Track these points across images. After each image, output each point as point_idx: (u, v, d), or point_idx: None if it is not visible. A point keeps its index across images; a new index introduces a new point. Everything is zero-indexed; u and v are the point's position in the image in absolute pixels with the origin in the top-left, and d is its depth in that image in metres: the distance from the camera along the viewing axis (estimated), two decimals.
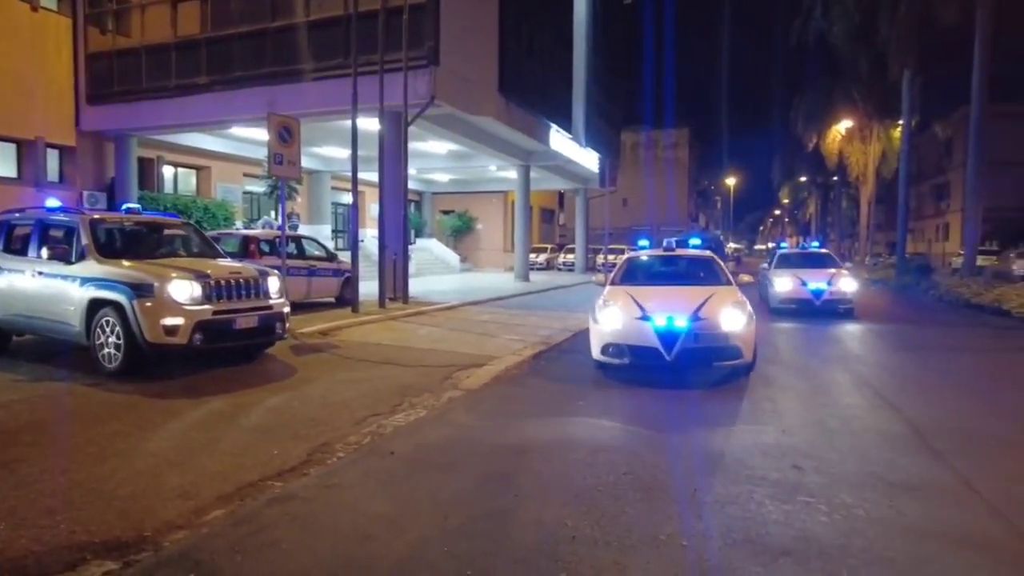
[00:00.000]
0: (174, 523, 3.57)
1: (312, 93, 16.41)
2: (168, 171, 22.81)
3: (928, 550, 3.35)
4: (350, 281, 13.37)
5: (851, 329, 12.38)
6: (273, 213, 23.13)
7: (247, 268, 7.97)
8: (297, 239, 14.43)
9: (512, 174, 26.86)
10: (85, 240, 7.59)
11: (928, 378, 8.10)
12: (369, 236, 25.51)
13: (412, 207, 34.37)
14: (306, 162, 24.58)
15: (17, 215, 8.90)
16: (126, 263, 7.46)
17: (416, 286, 19.22)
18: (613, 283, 8.69)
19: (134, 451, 4.80)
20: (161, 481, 4.20)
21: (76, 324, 7.33)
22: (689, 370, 7.33)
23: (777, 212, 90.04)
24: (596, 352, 7.52)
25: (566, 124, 25.98)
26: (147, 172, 21.34)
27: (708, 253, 10.46)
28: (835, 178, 44.54)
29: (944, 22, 20.91)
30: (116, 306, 7.02)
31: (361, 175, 14.18)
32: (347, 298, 13.39)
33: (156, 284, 6.94)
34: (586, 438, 5.28)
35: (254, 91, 17.01)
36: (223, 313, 7.28)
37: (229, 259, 8.84)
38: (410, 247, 27.63)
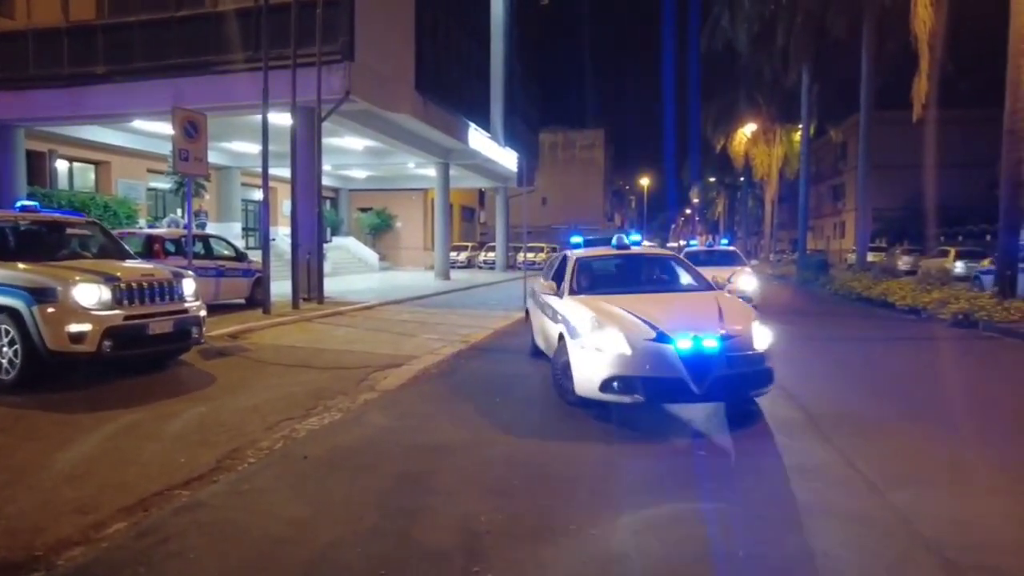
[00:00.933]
0: (70, 540, 3.40)
1: (221, 86, 15.80)
2: (62, 166, 21.38)
3: (815, 525, 3.62)
4: (261, 281, 12.98)
5: None
6: (179, 211, 22.09)
7: (160, 270, 7.58)
8: (205, 238, 13.88)
9: (431, 172, 26.74)
10: None
11: (820, 366, 8.67)
12: (282, 234, 24.82)
13: (328, 204, 33.61)
14: (215, 157, 23.61)
15: None
16: (22, 265, 6.91)
17: (333, 286, 18.86)
18: (573, 291, 6.84)
19: (25, 466, 4.52)
20: (55, 496, 3.98)
21: None
22: (720, 403, 5.93)
23: (688, 211, 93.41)
24: (588, 387, 5.60)
25: (485, 123, 26.10)
26: (37, 166, 19.91)
27: (667, 251, 10.26)
28: (742, 179, 46.68)
29: (836, 34, 22.34)
30: (12, 312, 6.50)
31: (273, 171, 13.80)
32: (258, 299, 12.99)
33: (59, 288, 6.47)
34: (502, 436, 5.37)
35: (158, 83, 16.19)
36: (135, 318, 6.85)
37: (139, 260, 8.38)
38: (326, 245, 27.04)
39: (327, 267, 23.09)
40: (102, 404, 6.14)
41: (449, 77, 22.14)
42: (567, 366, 5.95)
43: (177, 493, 4.04)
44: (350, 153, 25.01)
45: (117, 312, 6.70)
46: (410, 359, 8.38)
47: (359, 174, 31.84)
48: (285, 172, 14.57)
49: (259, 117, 13.02)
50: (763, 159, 36.61)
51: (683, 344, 5.34)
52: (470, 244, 40.52)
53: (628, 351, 5.43)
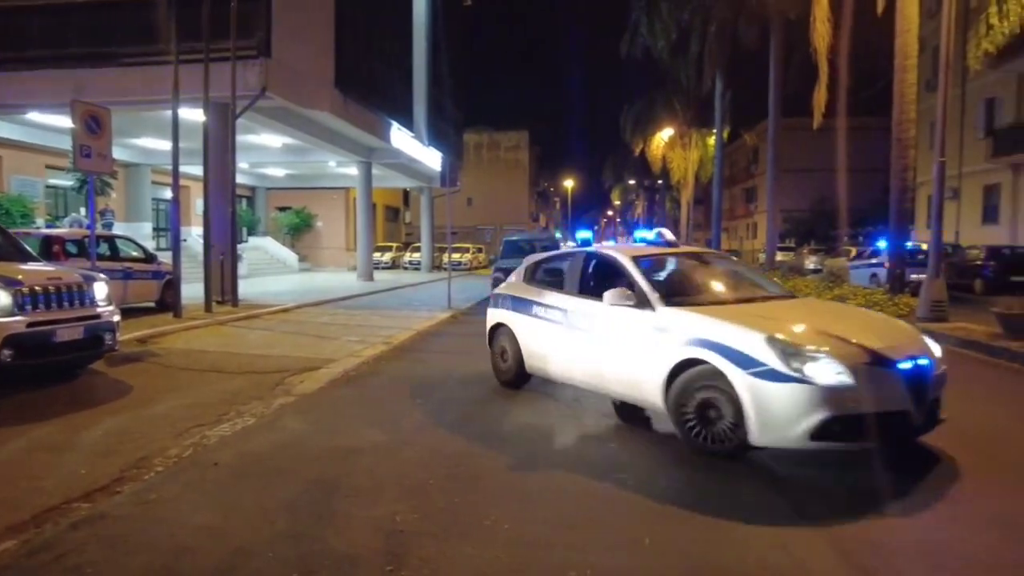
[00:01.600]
0: None
1: (128, 80, 15.08)
2: None
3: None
4: (172, 284, 12.46)
5: None
6: (83, 210, 20.88)
7: (69, 273, 7.12)
8: (110, 239, 13.19)
9: (353, 170, 26.32)
10: None
11: None
12: (195, 235, 23.87)
13: (244, 203, 32.54)
14: (123, 154, 22.48)
15: None
16: None
17: (249, 288, 18.30)
18: (668, 303, 5.18)
19: None
20: None
21: None
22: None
23: (610, 212, 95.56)
24: (797, 434, 4.17)
25: (408, 122, 25.91)
26: None
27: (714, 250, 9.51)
28: (660, 181, 48.17)
29: (747, 44, 23.44)
30: None
31: (186, 169, 13.28)
32: (169, 302, 12.47)
33: None
34: (420, 437, 5.39)
35: (57, 74, 15.30)
36: (40, 325, 6.40)
37: (45, 263, 7.85)
38: (242, 246, 26.23)
39: (243, 269, 22.40)
40: None
41: (371, 75, 21.87)
42: (728, 404, 4.44)
43: (76, 507, 3.86)
44: (268, 151, 24.31)
45: (19, 319, 6.25)
46: (328, 362, 8.25)
47: (277, 172, 30.96)
48: (198, 170, 14.03)
49: (170, 112, 12.49)
50: (680, 163, 37.88)
51: (905, 365, 4.37)
52: (395, 244, 40.09)
53: (851, 380, 4.16)
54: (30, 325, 6.32)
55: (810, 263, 28.94)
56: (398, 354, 9.38)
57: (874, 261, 19.61)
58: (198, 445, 5.02)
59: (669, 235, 6.67)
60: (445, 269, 26.70)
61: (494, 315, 7.36)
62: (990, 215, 25.92)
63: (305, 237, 34.44)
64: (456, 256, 36.58)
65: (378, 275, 27.61)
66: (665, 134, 38.12)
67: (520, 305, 6.86)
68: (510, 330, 6.93)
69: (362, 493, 4.14)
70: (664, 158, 39.35)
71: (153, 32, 14.99)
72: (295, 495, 4.10)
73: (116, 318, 7.30)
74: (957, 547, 3.40)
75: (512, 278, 7.52)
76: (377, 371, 8.19)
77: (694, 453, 4.68)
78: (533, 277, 7.12)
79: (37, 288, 6.48)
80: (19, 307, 6.28)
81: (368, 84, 21.39)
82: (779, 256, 27.53)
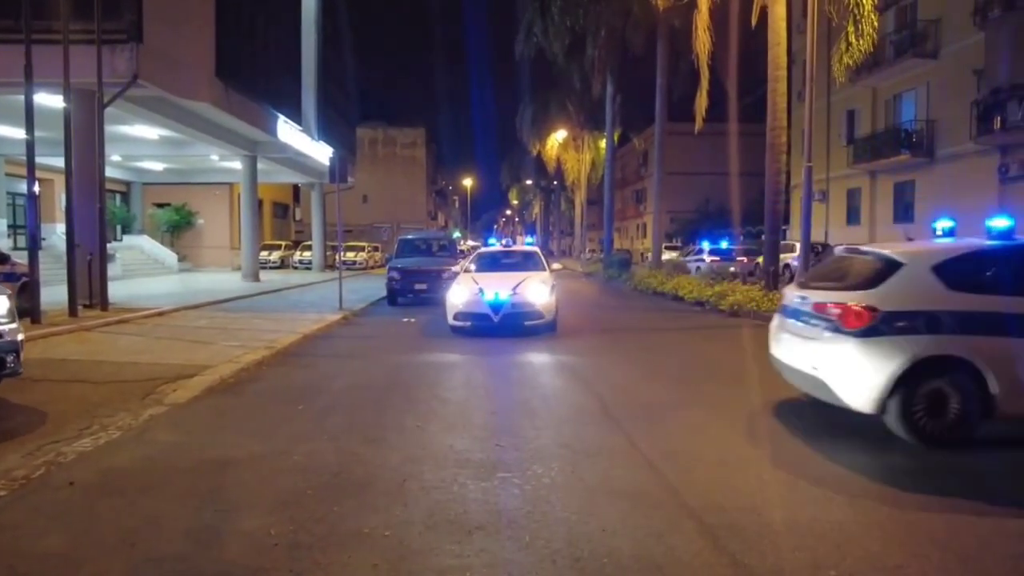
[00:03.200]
0: None
1: None
2: None
3: (598, 504, 3.92)
4: (28, 286, 11.36)
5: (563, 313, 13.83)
6: None
7: None
8: None
9: (238, 165, 25.01)
10: None
11: (615, 356, 9.38)
12: (60, 232, 21.96)
13: (117, 199, 30.31)
14: None
15: None
16: None
17: (122, 290, 17.05)
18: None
19: None
20: None
21: None
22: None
23: (508, 212, 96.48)
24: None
25: (296, 116, 25.00)
26: None
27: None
28: (555, 182, 49.09)
29: (635, 49, 24.26)
30: None
31: (49, 160, 12.15)
32: (25, 307, 11.34)
33: None
34: (299, 445, 5.18)
35: None
36: None
37: None
38: (115, 245, 24.42)
39: (116, 269, 20.87)
40: None
41: (255, 65, 20.92)
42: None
43: None
44: (143, 143, 22.69)
45: None
46: (204, 369, 7.78)
47: (155, 166, 28.98)
48: (61, 162, 12.86)
49: (23, 97, 11.37)
50: (573, 164, 38.76)
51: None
52: (284, 243, 38.55)
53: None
54: None
55: (691, 261, 30.40)
56: (282, 359, 9.00)
57: (695, 257, 27.14)
58: (52, 463, 4.60)
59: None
60: (338, 268, 25.96)
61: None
62: (853, 216, 28.22)
63: (186, 235, 32.45)
64: (350, 255, 35.69)
65: (265, 275, 26.47)
66: (560, 135, 38.87)
67: None
68: None
69: (235, 507, 3.92)
70: (559, 159, 40.14)
71: (2, 6, 13.62)
72: (162, 513, 3.83)
73: (20, 336, 6.19)
74: None
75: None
76: (258, 377, 7.82)
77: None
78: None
79: None
80: None
81: (252, 74, 20.45)
82: (667, 255, 28.78)
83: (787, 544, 3.42)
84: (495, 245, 17.62)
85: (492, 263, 13.21)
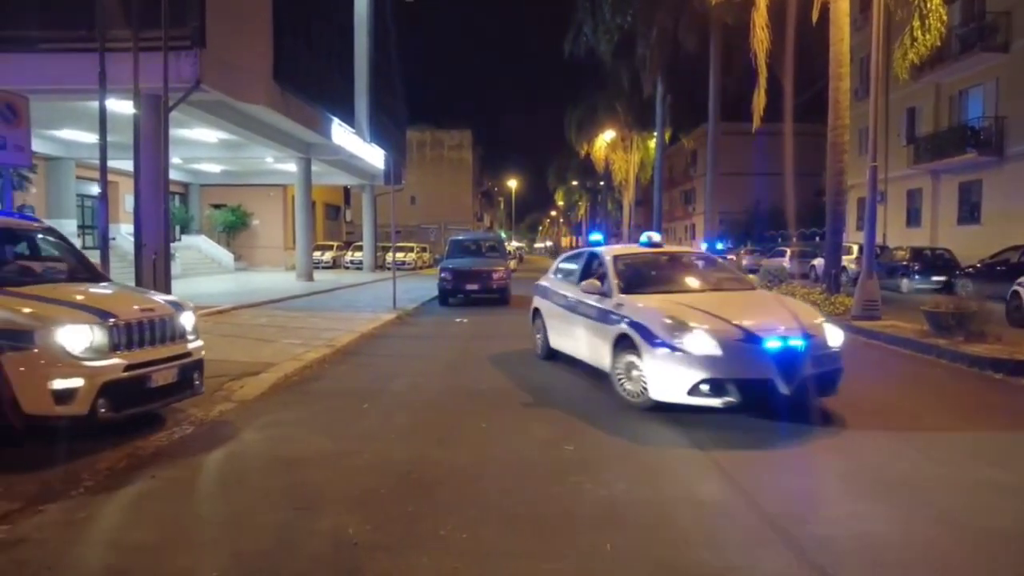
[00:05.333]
0: None
1: (49, 67, 14.16)
2: None
3: (674, 514, 3.81)
4: None
5: None
6: None
7: (158, 301, 5.70)
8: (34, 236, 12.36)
9: (292, 167, 25.56)
10: None
11: None
12: (124, 232, 22.78)
13: (176, 200, 31.25)
14: (43, 147, 21.22)
15: None
16: None
17: (182, 288, 17.54)
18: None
19: None
20: None
21: None
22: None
23: (553, 213, 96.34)
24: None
25: (349, 118, 25.37)
26: None
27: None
28: (602, 183, 48.73)
29: (687, 48, 23.89)
30: None
31: (114, 163, 12.58)
32: None
33: (37, 329, 4.58)
34: (368, 444, 5.21)
35: None
36: (137, 367, 4.99)
37: (121, 285, 6.38)
38: (174, 245, 25.18)
39: (176, 268, 21.51)
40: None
41: (311, 69, 21.30)
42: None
43: None
44: (202, 145, 23.37)
45: (115, 361, 4.85)
46: (269, 366, 7.92)
47: (212, 168, 29.82)
48: (127, 165, 13.32)
49: (95, 103, 11.81)
50: (621, 164, 38.41)
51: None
52: (335, 243, 39.22)
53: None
54: (128, 368, 4.93)
55: (747, 263, 29.82)
56: (342, 357, 9.12)
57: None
58: (132, 456, 4.72)
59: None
60: (388, 268, 26.30)
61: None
62: (913, 218, 27.22)
63: (241, 236, 33.30)
64: (400, 255, 36.08)
65: (318, 275, 26.95)
66: (608, 136, 38.58)
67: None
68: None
69: (311, 505, 3.95)
70: (607, 160, 39.83)
71: (76, 17, 14.18)
72: (240, 510, 3.90)
73: (203, 354, 5.89)
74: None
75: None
76: (320, 375, 7.93)
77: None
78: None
79: (132, 322, 5.10)
80: (113, 347, 4.90)
81: (308, 78, 20.82)
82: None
83: None
84: (604, 244, 9.33)
85: (660, 276, 7.53)
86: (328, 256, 35.68)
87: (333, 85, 23.90)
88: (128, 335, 5.03)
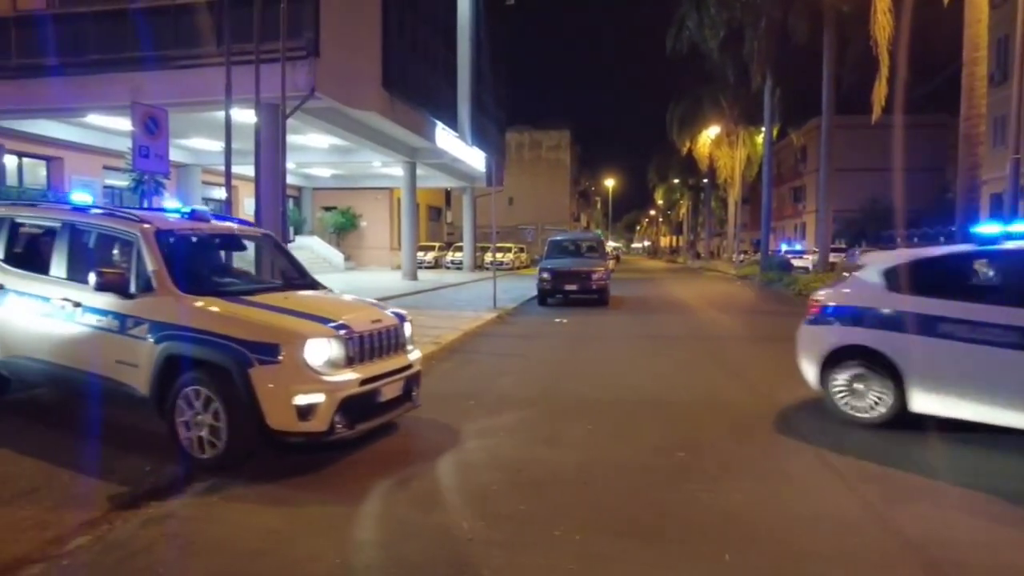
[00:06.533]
0: (28, 557, 3.22)
1: (182, 81, 15.37)
2: (11, 161, 20.56)
3: (800, 528, 3.62)
4: None
5: (722, 319, 13.22)
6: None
7: (383, 311, 5.40)
8: None
9: (397, 170, 26.45)
10: (151, 262, 4.84)
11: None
12: None
13: (291, 203, 33.04)
14: (173, 155, 22.95)
15: (27, 210, 6.13)
16: (218, 303, 4.85)
17: None
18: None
19: None
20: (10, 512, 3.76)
21: (140, 387, 4.73)
22: None
23: (652, 212, 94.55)
24: None
25: (452, 122, 25.94)
26: None
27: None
28: (705, 180, 47.36)
29: (798, 39, 22.77)
30: (215, 372, 4.47)
31: (234, 169, 13.43)
32: None
33: (282, 342, 4.41)
34: (477, 440, 5.28)
35: (115, 76, 15.69)
36: (370, 382, 4.76)
37: (333, 291, 6.15)
38: (290, 245, 26.59)
39: None
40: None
41: (416, 75, 21.95)
42: None
43: (144, 505, 3.86)
44: (314, 151, 24.61)
45: (351, 376, 4.63)
46: None
47: (323, 172, 31.37)
48: (246, 170, 14.21)
49: (219, 113, 12.71)
50: (726, 161, 37.19)
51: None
52: (437, 244, 40.24)
53: None
54: (363, 383, 4.72)
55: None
56: (447, 355, 9.31)
57: None
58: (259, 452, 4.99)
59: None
60: (487, 268, 26.65)
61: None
62: None
63: (350, 237, 34.83)
64: (499, 256, 36.57)
65: (421, 274, 27.71)
66: (712, 132, 37.47)
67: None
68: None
69: (424, 498, 4.05)
70: (710, 156, 38.71)
71: (205, 34, 15.30)
72: (351, 502, 4.03)
73: (420, 366, 5.62)
74: None
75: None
76: (427, 371, 8.06)
77: None
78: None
79: (364, 333, 4.88)
80: (349, 360, 4.67)
81: (414, 83, 21.47)
82: (831, 257, 26.72)
83: None
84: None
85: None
86: (430, 256, 36.64)
87: (437, 89, 24.51)
88: (361, 348, 4.81)
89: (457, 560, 3.24)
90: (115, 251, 5.44)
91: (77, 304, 4.99)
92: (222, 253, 6.68)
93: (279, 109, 14.26)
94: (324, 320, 4.76)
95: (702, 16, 25.29)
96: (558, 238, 20.12)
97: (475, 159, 27.57)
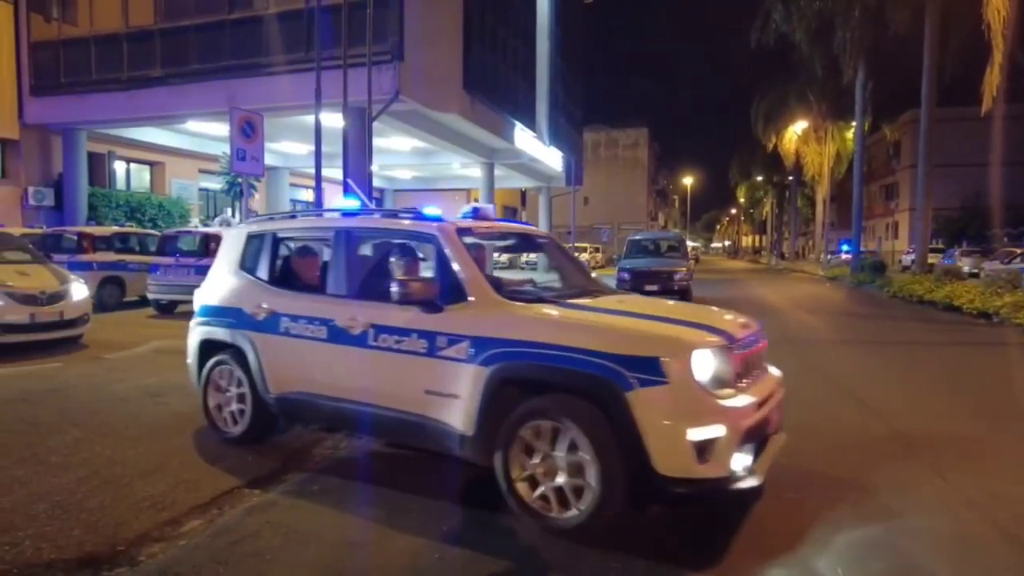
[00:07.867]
0: (149, 536, 3.40)
1: (274, 87, 16.09)
2: (120, 167, 22.05)
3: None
4: None
5: (813, 322, 12.66)
6: (229, 211, 22.57)
7: (735, 313, 4.25)
8: None
9: (475, 172, 26.79)
10: (460, 265, 3.96)
11: (884, 369, 8.30)
12: None
13: (374, 205, 33.96)
14: (266, 158, 24.13)
15: (290, 222, 5.34)
16: (556, 309, 3.82)
17: None
18: None
19: (98, 460, 4.54)
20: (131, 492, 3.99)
21: (457, 423, 3.69)
22: None
23: (733, 211, 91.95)
24: None
25: (530, 122, 26.03)
26: (97, 167, 20.60)
27: None
28: (791, 177, 45.63)
29: (895, 28, 21.55)
30: (572, 399, 3.38)
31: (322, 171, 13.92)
32: None
33: (662, 356, 3.23)
34: None
35: (212, 84, 16.60)
36: (761, 405, 3.54)
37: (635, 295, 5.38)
38: None
39: None
40: None
41: (496, 76, 22.13)
42: None
43: (247, 493, 4.00)
44: (397, 153, 25.23)
45: (747, 400, 3.41)
46: None
47: (404, 174, 32.10)
48: (332, 172, 14.71)
49: (306, 117, 13.20)
50: (814, 157, 35.69)
51: None
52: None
53: None
54: (758, 406, 3.53)
55: (968, 266, 26.35)
56: None
57: None
58: (350, 446, 5.07)
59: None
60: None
61: None
62: None
63: None
64: (577, 255, 36.38)
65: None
66: (799, 127, 36.07)
67: None
68: None
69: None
70: (797, 153, 37.26)
71: (295, 42, 15.93)
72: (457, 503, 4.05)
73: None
74: None
75: None
76: None
77: None
78: None
79: (742, 340, 3.70)
80: (736, 377, 3.46)
81: (493, 85, 21.66)
82: (929, 258, 25.18)
83: None
84: None
85: None
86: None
87: (516, 89, 24.65)
88: (745, 361, 3.61)
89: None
90: (404, 259, 4.48)
91: (368, 324, 4.08)
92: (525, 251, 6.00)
93: (365, 112, 14.68)
94: (698, 325, 3.64)
95: (790, 7, 24.30)
96: (638, 237, 19.82)
97: (552, 159, 27.56)
